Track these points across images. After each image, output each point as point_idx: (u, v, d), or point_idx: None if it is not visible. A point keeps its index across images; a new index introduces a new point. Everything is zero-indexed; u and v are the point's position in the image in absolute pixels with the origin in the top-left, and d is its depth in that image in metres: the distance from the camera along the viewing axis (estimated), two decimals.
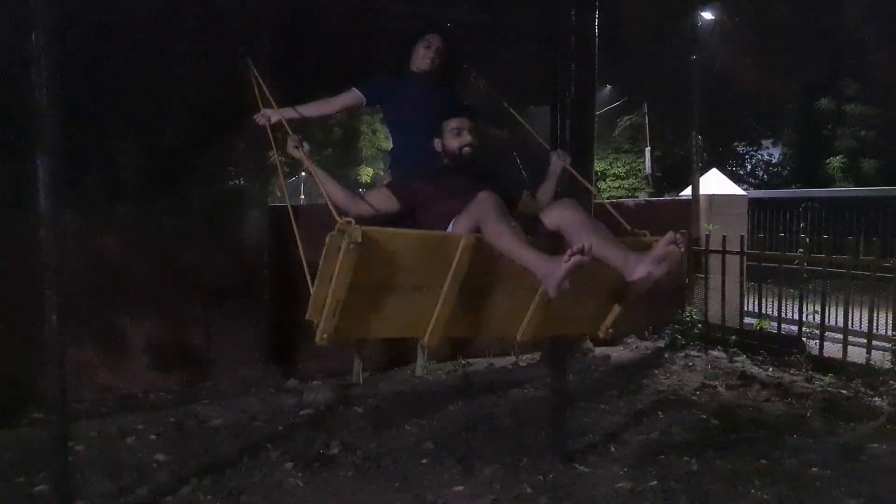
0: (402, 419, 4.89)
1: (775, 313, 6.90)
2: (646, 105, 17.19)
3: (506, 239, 2.58)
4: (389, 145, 4.08)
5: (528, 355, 6.65)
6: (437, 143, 3.22)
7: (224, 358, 5.75)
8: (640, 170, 18.54)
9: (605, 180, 18.61)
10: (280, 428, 4.74)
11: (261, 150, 5.75)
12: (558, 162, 3.59)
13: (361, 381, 5.82)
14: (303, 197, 23.41)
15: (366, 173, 21.63)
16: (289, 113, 3.57)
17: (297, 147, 3.09)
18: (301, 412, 5.08)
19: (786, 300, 6.83)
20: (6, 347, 4.97)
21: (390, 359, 6.26)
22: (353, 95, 3.69)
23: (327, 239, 2.42)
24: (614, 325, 3.22)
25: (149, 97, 6.50)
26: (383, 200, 3.05)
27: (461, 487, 3.81)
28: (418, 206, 3.03)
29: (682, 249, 2.63)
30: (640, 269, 2.62)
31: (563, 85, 4.54)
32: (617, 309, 3.15)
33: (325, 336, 2.56)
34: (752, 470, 4.00)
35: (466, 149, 3.09)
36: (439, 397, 5.40)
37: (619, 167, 19.09)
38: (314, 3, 4.69)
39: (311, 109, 3.81)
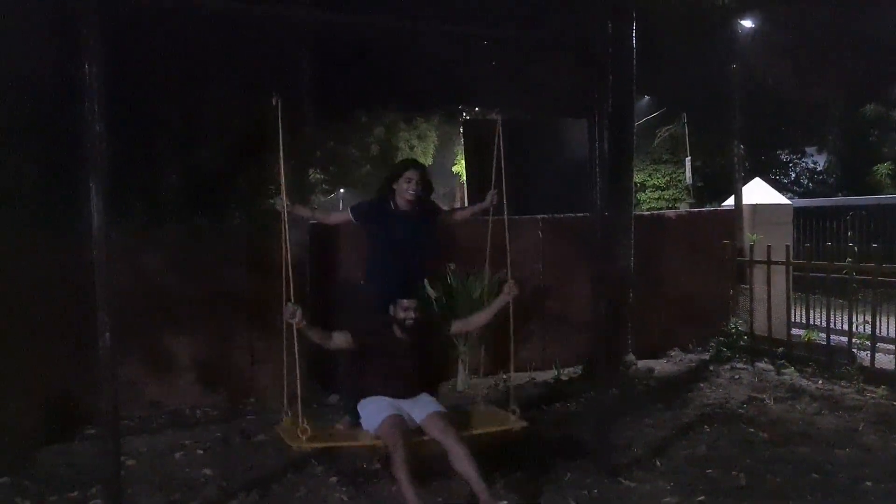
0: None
1: (824, 324, 6.75)
2: (685, 115, 17.03)
3: (400, 474, 3.58)
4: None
5: (569, 369, 6.61)
6: (391, 309, 4.02)
7: (267, 374, 5.83)
8: (680, 180, 18.34)
9: (644, 191, 18.44)
10: None
11: (300, 168, 5.84)
12: (504, 297, 4.17)
13: None
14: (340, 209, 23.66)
15: None
16: (302, 211, 4.48)
17: (292, 317, 3.69)
18: (338, 425, 5.10)
19: (834, 311, 6.68)
20: (59, 366, 5.10)
21: None
22: (347, 215, 4.46)
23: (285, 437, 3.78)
24: None
25: (191, 121, 6.67)
26: (346, 342, 3.98)
27: (505, 502, 3.79)
28: (366, 354, 4.01)
29: None
30: None
31: (601, 97, 4.52)
32: None
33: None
34: (803, 485, 3.91)
35: (409, 322, 3.97)
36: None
37: (658, 178, 18.91)
38: (351, 26, 4.77)
39: (318, 214, 4.91)
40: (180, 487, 4.06)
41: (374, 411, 3.85)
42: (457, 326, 4.49)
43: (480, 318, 4.41)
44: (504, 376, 6.42)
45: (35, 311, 5.08)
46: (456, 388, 6.05)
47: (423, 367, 4.12)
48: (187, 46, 5.75)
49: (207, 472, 4.30)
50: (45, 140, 5.61)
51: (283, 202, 3.94)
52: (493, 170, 4.25)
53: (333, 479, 4.12)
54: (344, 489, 3.99)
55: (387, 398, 3.92)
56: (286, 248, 3.81)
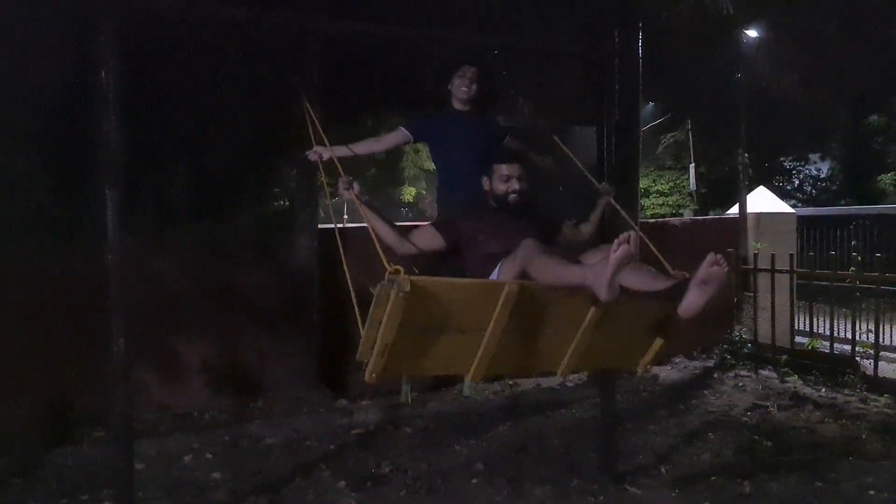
0: (452, 439, 4.93)
1: (827, 332, 6.78)
2: (689, 121, 17.06)
3: (551, 268, 2.66)
4: (433, 165, 4.18)
5: (575, 375, 6.64)
6: (484, 182, 3.30)
7: (276, 378, 5.88)
8: (684, 186, 18.37)
9: (648, 197, 18.47)
10: (332, 447, 4.81)
11: (310, 172, 5.88)
12: (602, 198, 3.69)
13: (410, 400, 5.87)
14: (346, 216, 23.73)
15: (408, 193, 21.79)
16: (340, 150, 3.77)
17: (347, 189, 3.21)
18: (352, 432, 5.15)
19: (838, 319, 6.71)
20: (66, 369, 5.14)
21: (438, 379, 6.29)
22: (400, 134, 3.91)
23: (377, 288, 2.55)
24: (653, 361, 3.26)
25: (200, 124, 6.70)
26: (429, 239, 3.19)
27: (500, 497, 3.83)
28: (463, 245, 3.16)
29: (726, 269, 2.63)
30: (686, 297, 2.64)
31: (608, 105, 4.56)
32: (656, 345, 3.18)
33: (373, 375, 2.71)
34: (807, 493, 3.95)
35: (513, 195, 3.18)
36: (488, 417, 5.43)
37: (662, 184, 18.94)
38: (359, 34, 4.80)
39: (361, 147, 4.02)
40: (190, 491, 4.11)
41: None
42: (566, 232, 3.49)
43: (588, 227, 3.61)
44: (510, 382, 6.47)
45: (43, 315, 5.12)
46: (462, 392, 6.08)
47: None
48: (195, 52, 5.78)
49: (217, 475, 4.33)
50: (52, 143, 5.65)
51: (318, 149, 3.68)
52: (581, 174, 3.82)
53: (342, 483, 4.15)
54: (353, 493, 4.02)
55: None
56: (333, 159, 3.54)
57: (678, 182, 18.73)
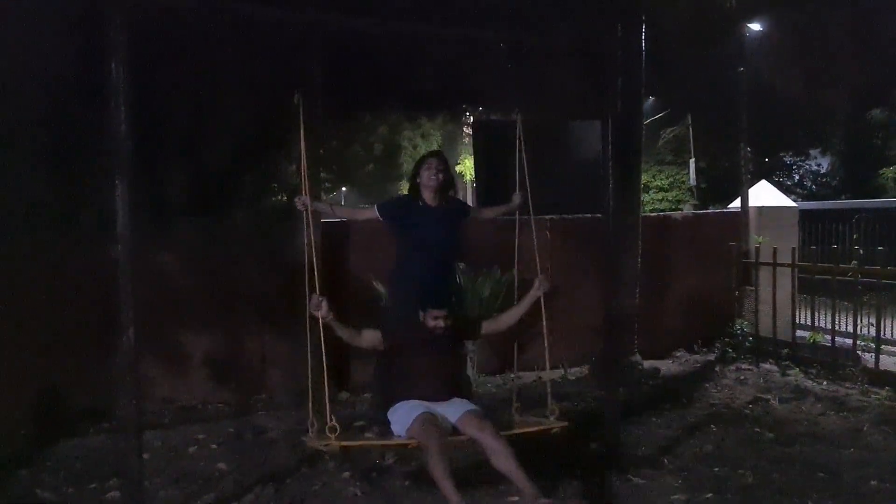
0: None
1: (828, 326, 6.81)
2: (689, 116, 17.06)
3: (436, 471, 3.46)
4: None
5: (576, 369, 6.67)
6: (420, 315, 3.97)
7: (278, 371, 5.90)
8: (683, 182, 18.37)
9: (648, 192, 18.46)
10: None
11: (309, 167, 5.90)
12: (535, 291, 4.07)
13: None
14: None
15: (405, 189, 21.82)
16: (322, 207, 4.50)
17: (317, 309, 3.66)
18: (354, 423, 5.17)
19: (839, 313, 6.73)
20: (64, 363, 5.17)
21: None
22: (374, 212, 4.39)
23: (315, 442, 3.53)
24: None
25: (198, 121, 6.71)
26: (374, 341, 3.95)
27: (516, 498, 3.84)
28: (397, 351, 3.93)
29: None
30: None
31: (610, 100, 4.57)
32: None
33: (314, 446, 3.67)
34: (809, 483, 3.97)
35: (439, 330, 3.92)
36: (489, 410, 5.42)
37: (662, 179, 18.94)
38: (360, 33, 4.81)
39: (342, 212, 4.86)
40: (196, 481, 4.14)
41: (405, 413, 3.71)
42: (487, 328, 4.26)
43: (511, 316, 4.20)
44: (513, 375, 6.48)
45: (47, 311, 5.16)
46: None
47: (455, 371, 4.06)
48: (194, 48, 5.80)
49: (222, 466, 4.38)
50: (53, 137, 5.67)
51: (304, 199, 3.96)
52: (517, 170, 4.21)
53: (346, 473, 4.19)
54: (357, 483, 4.06)
55: (418, 401, 3.78)
56: (310, 239, 3.79)
57: (678, 177, 18.73)
